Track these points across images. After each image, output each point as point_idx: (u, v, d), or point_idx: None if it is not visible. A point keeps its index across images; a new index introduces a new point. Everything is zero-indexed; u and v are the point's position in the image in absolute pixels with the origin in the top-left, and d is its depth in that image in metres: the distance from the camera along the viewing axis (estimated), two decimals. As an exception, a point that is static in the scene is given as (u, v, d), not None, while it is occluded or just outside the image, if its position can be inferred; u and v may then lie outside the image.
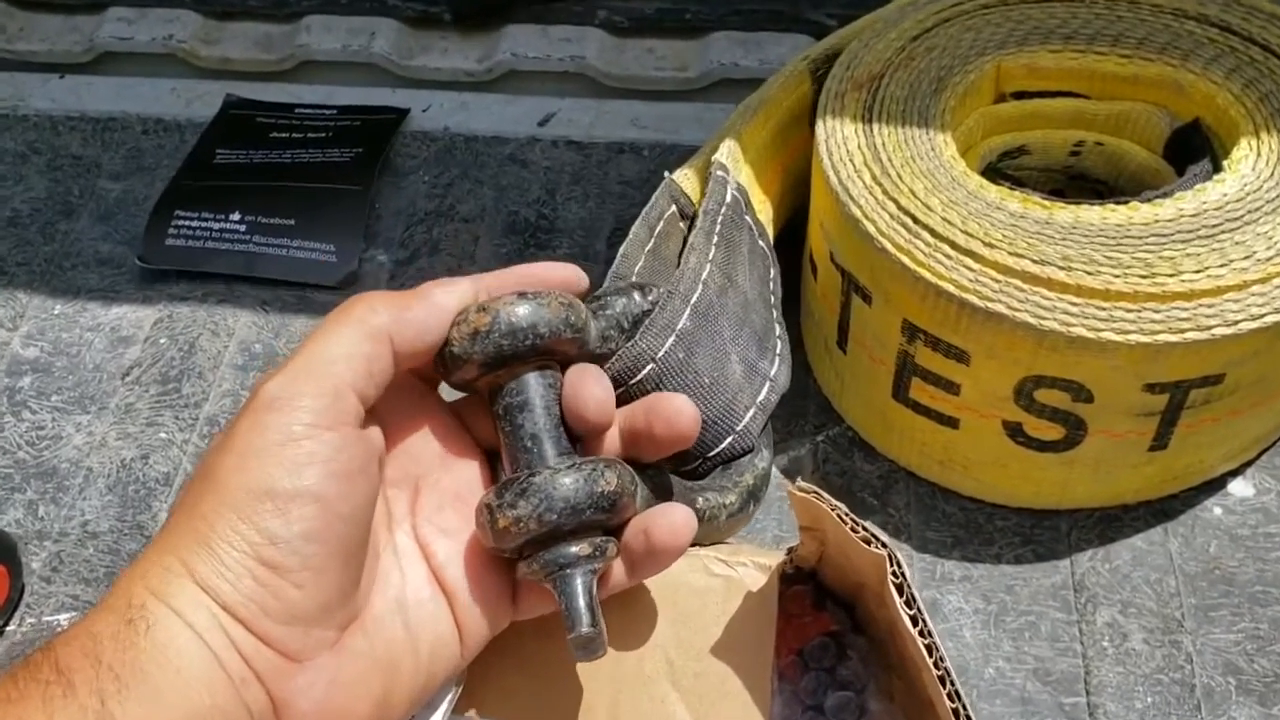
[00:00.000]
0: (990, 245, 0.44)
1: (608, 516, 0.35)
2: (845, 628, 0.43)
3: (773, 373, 0.46)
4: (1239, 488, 0.50)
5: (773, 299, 0.50)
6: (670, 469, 0.41)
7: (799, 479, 0.38)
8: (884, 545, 0.35)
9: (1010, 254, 0.43)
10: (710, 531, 0.41)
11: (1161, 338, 0.42)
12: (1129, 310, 0.42)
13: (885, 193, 0.46)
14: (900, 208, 0.45)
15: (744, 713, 0.38)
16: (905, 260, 0.44)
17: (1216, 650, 0.46)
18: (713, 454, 0.43)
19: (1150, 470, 0.48)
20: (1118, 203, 0.46)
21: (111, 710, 0.29)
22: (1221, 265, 0.43)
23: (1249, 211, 0.45)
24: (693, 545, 0.40)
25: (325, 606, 0.32)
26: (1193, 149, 0.50)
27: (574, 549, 0.34)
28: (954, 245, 0.44)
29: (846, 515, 0.36)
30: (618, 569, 0.36)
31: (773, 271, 0.51)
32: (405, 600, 0.34)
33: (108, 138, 0.67)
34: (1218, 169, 0.47)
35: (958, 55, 0.51)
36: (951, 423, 0.47)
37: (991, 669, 0.46)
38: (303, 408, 0.32)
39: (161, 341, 0.57)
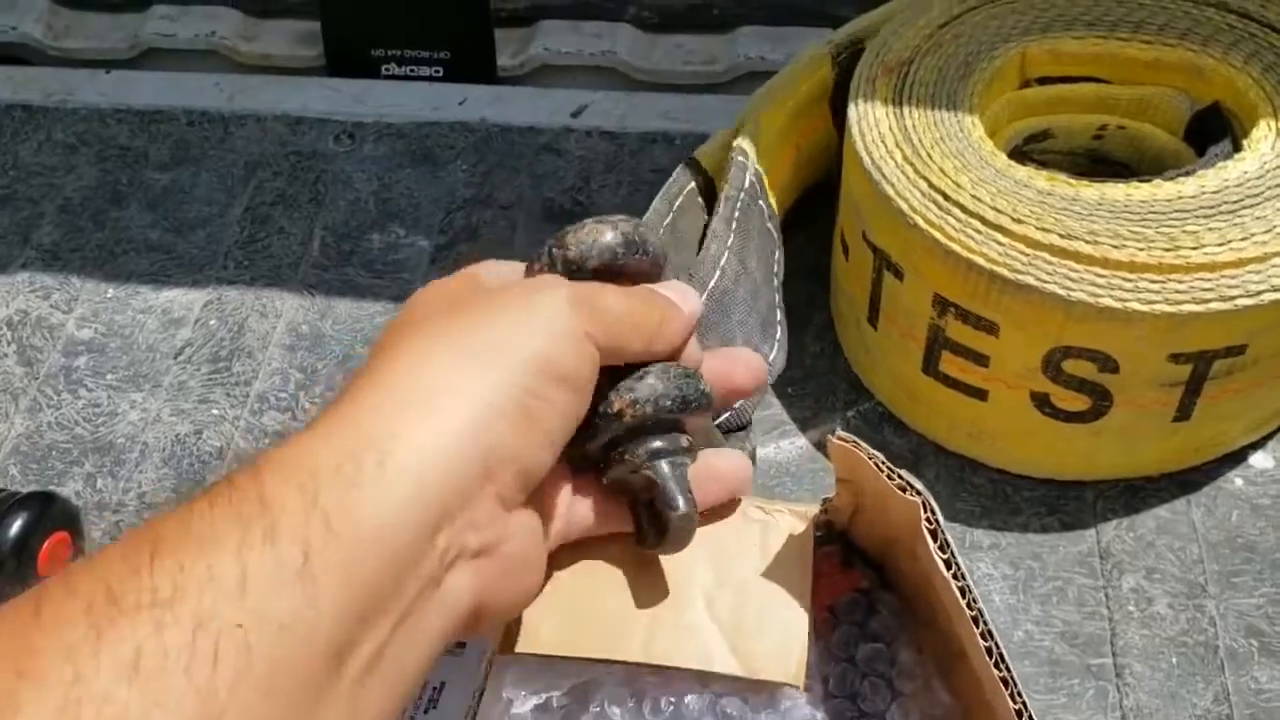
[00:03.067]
0: (1018, 220, 0.45)
1: (701, 415, 0.38)
2: (874, 584, 0.44)
3: (771, 357, 0.51)
4: (1260, 460, 0.52)
5: (776, 281, 0.54)
6: None
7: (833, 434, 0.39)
8: (919, 493, 0.36)
9: (1038, 229, 0.45)
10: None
11: (1186, 308, 0.43)
12: (1154, 281, 0.44)
13: (916, 171, 0.47)
14: (931, 185, 0.47)
15: (781, 647, 0.39)
16: (937, 235, 0.46)
17: (1239, 614, 0.47)
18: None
19: (1174, 441, 0.49)
20: (1142, 181, 0.47)
21: (313, 565, 0.26)
22: (1243, 239, 0.44)
23: (1269, 188, 0.46)
24: None
25: (541, 474, 0.33)
26: (1213, 131, 0.51)
27: (667, 442, 0.37)
28: (984, 220, 0.45)
29: (883, 463, 0.37)
30: None
31: (777, 254, 0.55)
32: None
33: (154, 129, 0.69)
34: (1238, 149, 0.49)
35: (984, 42, 0.53)
36: (980, 395, 0.49)
37: (1021, 632, 0.47)
38: (587, 320, 0.33)
39: (211, 323, 0.59)
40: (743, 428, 0.49)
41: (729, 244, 0.50)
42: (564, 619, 0.40)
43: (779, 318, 0.53)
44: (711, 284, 0.49)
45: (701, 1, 0.74)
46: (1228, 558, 0.49)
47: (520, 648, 0.39)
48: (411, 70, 0.75)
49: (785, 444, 0.53)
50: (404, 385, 0.30)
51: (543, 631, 0.39)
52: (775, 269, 0.54)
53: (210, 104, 0.70)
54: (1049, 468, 0.51)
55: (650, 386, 0.37)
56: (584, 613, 0.40)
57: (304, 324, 0.59)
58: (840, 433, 0.38)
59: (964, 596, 0.35)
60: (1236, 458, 0.52)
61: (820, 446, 0.53)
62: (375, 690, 0.28)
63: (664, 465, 0.37)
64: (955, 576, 0.36)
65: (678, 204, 0.53)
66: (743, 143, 0.53)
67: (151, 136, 0.68)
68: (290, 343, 0.58)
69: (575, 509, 0.38)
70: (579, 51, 0.73)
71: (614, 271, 0.38)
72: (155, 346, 0.58)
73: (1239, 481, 0.51)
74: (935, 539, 0.36)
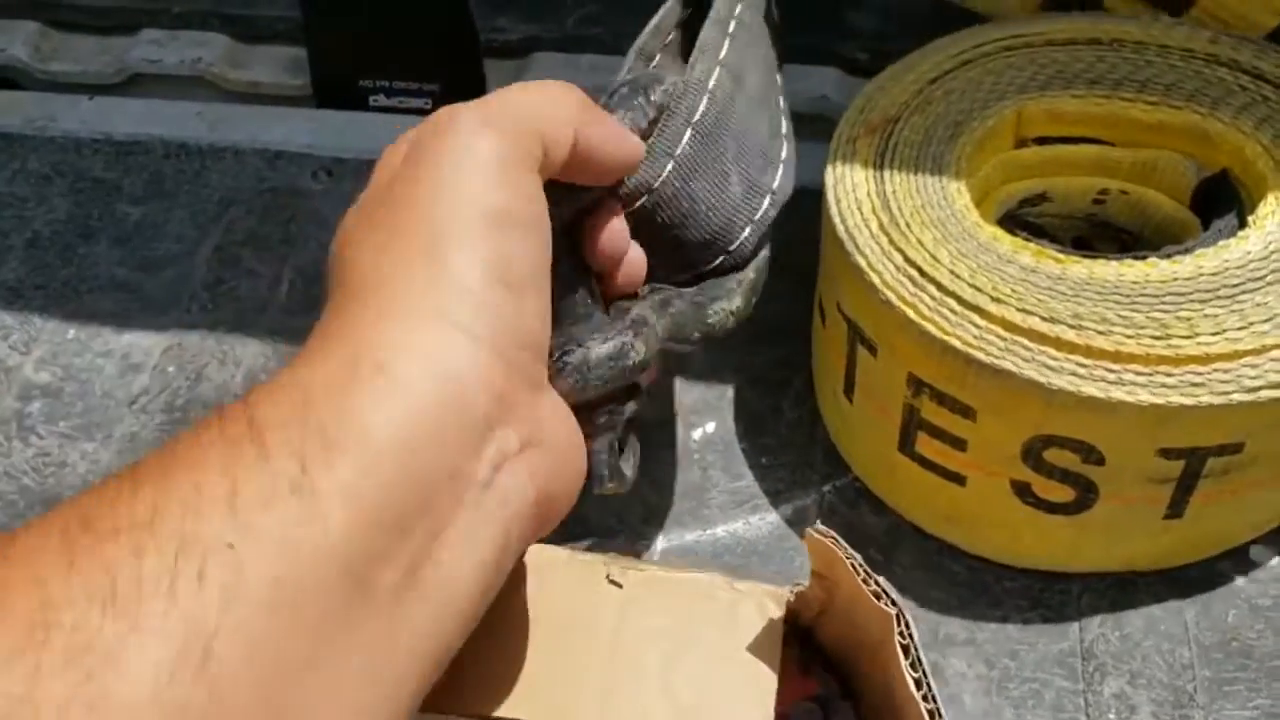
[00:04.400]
0: (998, 300, 0.42)
1: (638, 380, 0.37)
2: (831, 692, 0.41)
3: (775, 184, 0.44)
4: (1262, 555, 0.48)
5: (779, 94, 0.46)
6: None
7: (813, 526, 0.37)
8: (894, 604, 0.34)
9: (1019, 310, 0.42)
10: (721, 339, 0.43)
11: (1174, 400, 0.40)
12: (1140, 373, 0.40)
13: (892, 242, 0.44)
14: (907, 259, 0.44)
15: None
16: (910, 314, 0.43)
17: (1230, 727, 0.44)
18: (706, 270, 0.42)
19: (1166, 540, 0.46)
20: (1135, 258, 0.44)
21: (313, 478, 0.24)
22: (1240, 328, 0.41)
23: (1272, 271, 0.43)
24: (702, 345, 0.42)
25: (545, 335, 0.31)
26: (1220, 200, 0.48)
27: (603, 419, 0.37)
28: (960, 299, 0.42)
29: (860, 566, 0.35)
30: None
31: (779, 73, 0.47)
32: None
33: (130, 161, 0.67)
34: (1244, 224, 0.46)
35: (977, 99, 0.50)
36: (958, 479, 0.46)
37: (992, 738, 0.44)
38: (500, 140, 0.30)
39: (170, 370, 0.57)
40: (740, 267, 0.43)
41: (721, 56, 0.42)
42: (514, 678, 0.37)
43: (785, 131, 0.45)
44: (698, 116, 0.40)
45: (701, 36, 0.71)
46: (1221, 663, 0.45)
47: (467, 708, 0.36)
48: (400, 101, 0.73)
49: (755, 519, 0.51)
50: (377, 301, 0.28)
51: (492, 692, 0.37)
52: (782, 92, 0.46)
53: (190, 134, 0.68)
54: (1032, 558, 0.48)
55: (570, 380, 0.35)
56: (537, 676, 0.37)
57: (263, 374, 0.57)
58: (820, 526, 0.36)
59: None
60: (1237, 552, 0.48)
61: (793, 523, 0.50)
62: (420, 604, 0.26)
63: (595, 444, 0.36)
64: (925, 699, 0.33)
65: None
66: None
67: (126, 169, 0.67)
68: (249, 393, 0.56)
69: None
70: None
71: None
72: (111, 393, 0.56)
73: (1239, 579, 0.48)
74: (907, 655, 0.33)
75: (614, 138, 0.36)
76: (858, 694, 0.42)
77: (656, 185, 0.40)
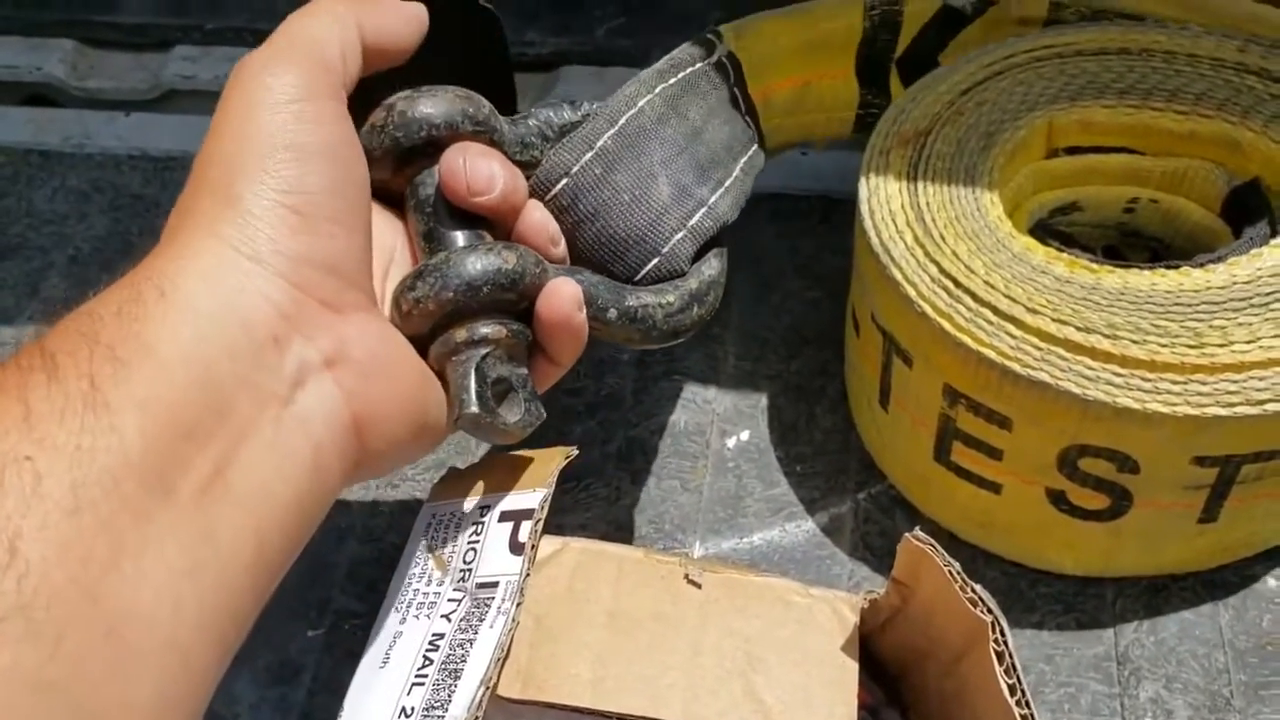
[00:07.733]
0: (1034, 311, 0.43)
1: (509, 296, 0.35)
2: (880, 701, 0.42)
3: (711, 200, 0.44)
4: (1296, 559, 0.49)
5: (743, 160, 0.47)
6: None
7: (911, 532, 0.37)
8: (990, 611, 0.35)
9: (1054, 320, 0.42)
10: (648, 331, 0.41)
11: (1209, 410, 0.40)
12: (1175, 382, 0.41)
13: (927, 254, 0.45)
14: (942, 270, 0.44)
15: None
16: (946, 325, 0.43)
17: (1266, 731, 0.44)
18: (639, 276, 0.42)
19: (1200, 543, 0.46)
20: (1169, 267, 0.44)
21: (104, 393, 0.26)
22: (1275, 335, 0.41)
23: (1306, 279, 0.43)
24: (632, 345, 0.41)
25: (357, 263, 0.32)
26: (1251, 210, 0.48)
27: (461, 335, 0.34)
28: (996, 310, 0.43)
29: (958, 574, 0.36)
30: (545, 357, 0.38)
31: (751, 150, 0.48)
32: None
33: (167, 177, 0.68)
34: (1276, 232, 0.46)
35: (1008, 110, 0.50)
36: (993, 488, 0.46)
37: (1029, 743, 0.44)
38: (296, 74, 0.32)
39: (211, 383, 0.58)
40: (677, 275, 0.43)
41: (656, 89, 0.44)
42: (598, 673, 0.38)
43: (735, 174, 0.46)
44: (623, 121, 0.43)
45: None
46: (1256, 667, 0.46)
47: (555, 697, 0.37)
48: (431, 114, 0.73)
49: (791, 527, 0.51)
50: (170, 236, 0.30)
51: (581, 681, 0.38)
52: (747, 158, 0.48)
53: (226, 150, 0.69)
54: (1066, 564, 0.48)
55: (429, 282, 0.34)
56: (622, 671, 0.38)
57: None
58: (918, 532, 0.37)
59: None
60: (1271, 556, 0.49)
61: (828, 531, 0.51)
62: (233, 507, 0.28)
63: (454, 363, 0.35)
64: (1019, 704, 0.34)
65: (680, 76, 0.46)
66: (722, 28, 0.50)
67: (164, 184, 0.68)
68: (289, 405, 0.57)
69: None
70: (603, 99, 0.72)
71: (410, 152, 0.36)
72: (154, 406, 0.57)
73: (1273, 582, 0.48)
74: (1001, 662, 0.34)
75: (391, 8, 0.36)
76: (905, 704, 0.43)
77: (575, 169, 0.41)
